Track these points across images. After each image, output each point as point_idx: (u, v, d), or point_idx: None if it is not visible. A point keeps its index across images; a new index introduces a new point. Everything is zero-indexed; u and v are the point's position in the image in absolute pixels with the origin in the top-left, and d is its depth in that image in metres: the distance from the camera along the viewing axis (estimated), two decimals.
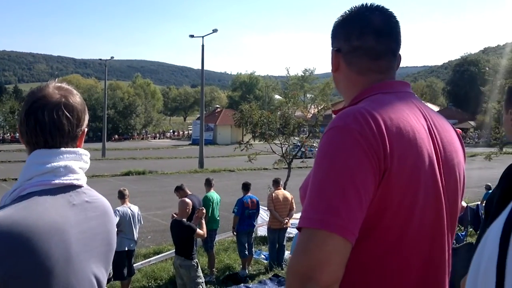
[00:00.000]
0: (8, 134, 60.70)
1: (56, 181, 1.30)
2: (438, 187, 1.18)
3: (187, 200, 6.92)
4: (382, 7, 1.33)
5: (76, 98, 1.39)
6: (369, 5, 1.31)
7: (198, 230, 6.69)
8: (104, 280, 1.41)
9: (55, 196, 1.29)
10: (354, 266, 1.08)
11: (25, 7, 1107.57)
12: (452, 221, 1.26)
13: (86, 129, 1.43)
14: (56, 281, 1.22)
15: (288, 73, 58.69)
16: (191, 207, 6.88)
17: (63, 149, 1.34)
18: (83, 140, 1.43)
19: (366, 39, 1.28)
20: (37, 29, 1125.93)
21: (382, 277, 1.13)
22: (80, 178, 1.37)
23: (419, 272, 1.17)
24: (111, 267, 1.45)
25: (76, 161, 1.36)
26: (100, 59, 45.78)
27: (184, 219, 6.66)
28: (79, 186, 1.37)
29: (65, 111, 1.34)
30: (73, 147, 1.38)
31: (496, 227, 0.45)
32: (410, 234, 1.14)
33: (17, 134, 1.44)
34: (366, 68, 1.29)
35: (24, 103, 1.36)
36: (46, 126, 1.32)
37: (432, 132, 1.22)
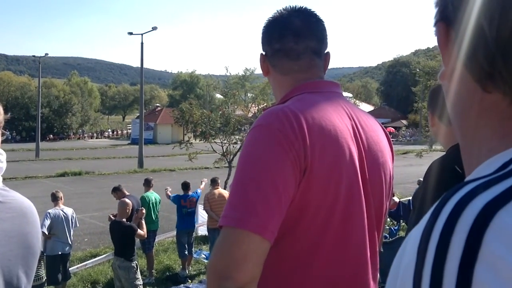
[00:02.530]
0: None
1: None
2: (360, 187, 1.19)
3: (127, 200, 6.85)
4: (304, 8, 1.36)
5: None
6: (290, 7, 1.35)
7: (139, 231, 6.63)
8: (23, 284, 1.35)
9: None
10: (274, 265, 1.10)
11: None
12: (377, 220, 1.27)
13: None
14: None
15: (227, 72, 58.88)
16: (131, 207, 6.80)
17: None
18: None
19: (286, 41, 1.32)
20: None
21: (303, 276, 1.14)
22: None
23: (340, 271, 1.18)
24: (33, 271, 1.37)
25: None
26: (34, 56, 43.79)
27: (124, 220, 6.57)
28: None
29: None
30: None
31: (415, 234, 0.44)
32: (331, 233, 1.15)
33: None
34: (288, 69, 1.33)
35: None
36: None
37: (357, 132, 1.23)
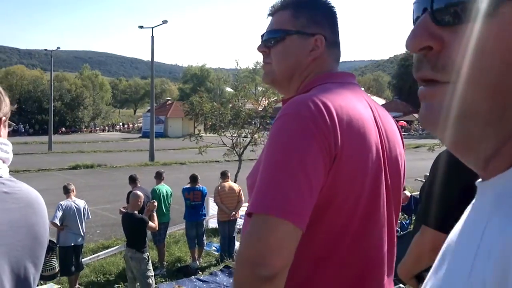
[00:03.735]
0: None
1: None
2: (383, 177, 1.20)
3: (139, 193, 6.89)
4: None
5: None
6: None
7: (150, 223, 6.69)
8: (31, 275, 1.35)
9: None
10: (301, 253, 1.09)
11: None
12: (396, 211, 1.27)
13: (4, 118, 1.37)
14: None
15: (237, 65, 58.73)
16: (142, 200, 6.87)
17: None
18: (2, 128, 1.36)
19: (337, 29, 1.36)
20: None
21: (324, 266, 1.15)
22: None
23: (358, 265, 1.18)
24: (42, 261, 1.38)
25: None
26: (46, 50, 44.14)
27: (136, 212, 6.64)
28: None
29: None
30: None
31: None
32: (355, 225, 1.15)
33: None
34: (334, 58, 1.35)
35: None
36: None
37: (378, 123, 1.23)
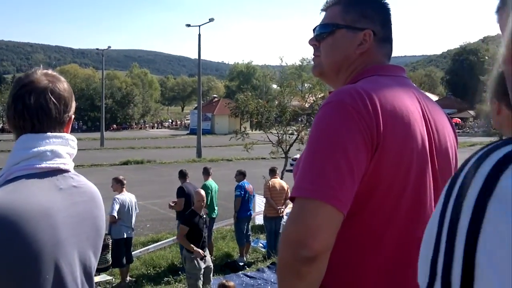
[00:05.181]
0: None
1: (43, 165, 1.30)
2: (430, 169, 1.20)
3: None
4: None
5: (64, 85, 1.40)
6: None
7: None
8: (93, 265, 1.42)
9: (42, 180, 1.29)
10: (346, 240, 1.12)
11: None
12: None
13: (73, 116, 1.44)
14: (44, 265, 1.22)
15: (282, 62, 58.32)
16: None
17: (49, 133, 1.33)
18: (70, 126, 1.44)
19: (386, 25, 1.36)
20: (35, 19, 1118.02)
21: (373, 254, 1.16)
22: (67, 163, 1.36)
23: (411, 253, 1.12)
24: (100, 252, 1.46)
25: (63, 146, 1.36)
26: (98, 49, 45.69)
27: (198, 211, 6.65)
28: (66, 171, 1.37)
29: (52, 97, 1.34)
30: (61, 132, 1.37)
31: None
32: (402, 213, 1.16)
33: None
34: (385, 53, 1.36)
35: (12, 89, 1.37)
36: (33, 110, 1.32)
37: (426, 115, 1.24)
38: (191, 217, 6.59)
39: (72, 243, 1.31)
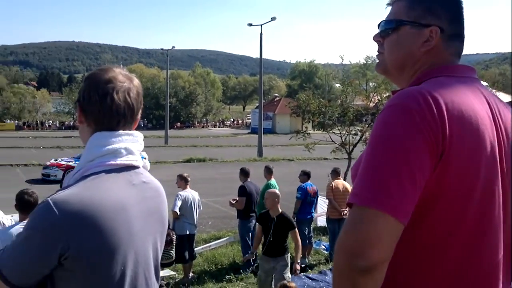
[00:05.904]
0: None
1: (117, 162, 1.36)
2: (499, 178, 1.13)
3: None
4: None
5: (139, 83, 1.46)
6: None
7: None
8: (159, 258, 1.48)
9: (117, 176, 1.35)
10: (404, 252, 1.07)
11: None
12: None
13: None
14: (120, 257, 1.29)
15: (343, 61, 57.22)
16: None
17: (121, 131, 1.38)
18: (137, 123, 1.48)
19: (456, 21, 1.27)
20: (103, 21, 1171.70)
21: (433, 268, 1.09)
22: (138, 160, 1.43)
23: (474, 268, 1.11)
24: (163, 246, 1.52)
25: (134, 143, 1.41)
26: (162, 49, 47.04)
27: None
28: (137, 167, 1.43)
29: (134, 95, 1.41)
30: (130, 130, 1.42)
31: None
32: (467, 226, 1.09)
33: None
34: (454, 51, 1.27)
35: (92, 83, 1.39)
36: (121, 107, 1.37)
37: (497, 120, 1.16)
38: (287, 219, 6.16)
39: (143, 236, 1.37)
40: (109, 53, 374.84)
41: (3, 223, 5.09)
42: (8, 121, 60.00)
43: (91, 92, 1.37)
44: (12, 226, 4.28)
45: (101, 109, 1.36)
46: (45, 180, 18.05)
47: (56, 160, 19.82)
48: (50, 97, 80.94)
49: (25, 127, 58.17)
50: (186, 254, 7.75)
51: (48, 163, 19.31)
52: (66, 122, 61.58)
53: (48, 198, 1.24)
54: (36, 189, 4.42)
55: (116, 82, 1.37)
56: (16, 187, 5.27)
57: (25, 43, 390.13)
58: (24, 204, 4.16)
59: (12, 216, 5.21)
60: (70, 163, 18.63)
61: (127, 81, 1.40)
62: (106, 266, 1.27)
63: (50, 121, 62.50)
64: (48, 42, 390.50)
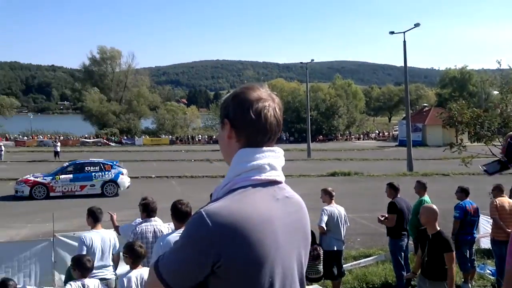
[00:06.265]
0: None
1: (262, 177, 1.42)
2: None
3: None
4: None
5: (279, 100, 1.52)
6: None
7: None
8: (303, 272, 1.51)
9: (262, 191, 1.41)
10: None
11: (230, 18, 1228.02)
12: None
13: None
14: (267, 268, 1.33)
15: (500, 66, 52.08)
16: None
17: (264, 148, 1.45)
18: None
19: None
20: (244, 39, 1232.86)
21: None
22: (280, 175, 1.48)
23: None
24: (307, 260, 1.55)
25: (276, 159, 1.47)
26: (301, 63, 47.96)
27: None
28: (280, 182, 1.49)
29: (279, 111, 1.48)
30: (273, 145, 1.48)
31: None
32: None
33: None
34: None
35: (242, 102, 1.45)
36: (273, 125, 1.45)
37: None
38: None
39: (288, 250, 1.42)
40: (251, 69, 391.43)
41: (161, 230, 5.61)
42: (163, 136, 66.22)
43: (244, 111, 1.44)
44: (169, 233, 4.80)
45: (255, 127, 1.43)
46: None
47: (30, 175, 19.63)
48: (198, 113, 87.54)
49: (178, 141, 63.34)
50: (335, 270, 7.62)
51: (19, 179, 19.49)
52: (214, 136, 65.80)
53: (201, 210, 1.33)
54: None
55: (265, 101, 1.44)
56: (170, 198, 5.58)
57: (175, 63, 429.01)
58: (178, 213, 4.57)
59: (169, 224, 5.69)
60: (38, 179, 19.07)
61: (270, 99, 1.46)
62: (256, 276, 1.32)
63: (200, 136, 67.31)
64: (195, 62, 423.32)
